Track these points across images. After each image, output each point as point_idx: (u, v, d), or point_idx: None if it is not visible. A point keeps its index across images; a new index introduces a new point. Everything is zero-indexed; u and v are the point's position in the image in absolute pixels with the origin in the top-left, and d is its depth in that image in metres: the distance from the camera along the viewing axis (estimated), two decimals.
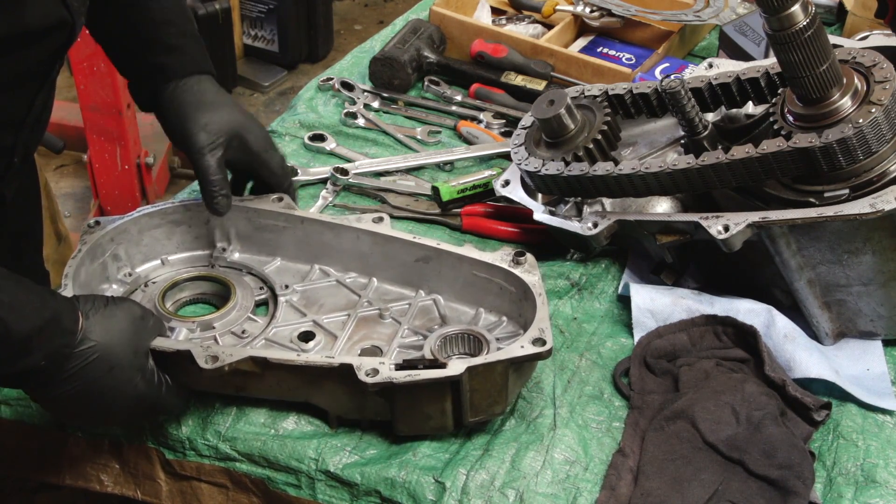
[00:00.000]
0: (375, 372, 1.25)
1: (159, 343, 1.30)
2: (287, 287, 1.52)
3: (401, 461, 1.30)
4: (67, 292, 1.36)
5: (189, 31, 1.55)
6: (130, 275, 1.53)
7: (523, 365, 1.32)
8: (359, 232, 1.51)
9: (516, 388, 1.34)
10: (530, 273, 1.41)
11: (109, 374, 1.23)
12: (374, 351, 1.42)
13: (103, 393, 1.24)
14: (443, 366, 1.27)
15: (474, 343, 1.39)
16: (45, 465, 1.40)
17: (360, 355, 1.41)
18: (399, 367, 1.27)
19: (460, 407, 1.30)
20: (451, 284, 1.49)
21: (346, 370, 1.27)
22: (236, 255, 1.59)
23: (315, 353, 1.40)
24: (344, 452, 1.32)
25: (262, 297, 1.53)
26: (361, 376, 1.25)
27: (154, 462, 1.38)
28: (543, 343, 1.29)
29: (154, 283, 1.54)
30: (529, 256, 1.43)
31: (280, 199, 1.55)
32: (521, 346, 1.29)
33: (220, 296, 1.54)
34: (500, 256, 1.44)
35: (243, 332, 1.47)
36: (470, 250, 1.46)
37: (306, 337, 1.44)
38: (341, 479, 1.30)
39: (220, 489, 1.36)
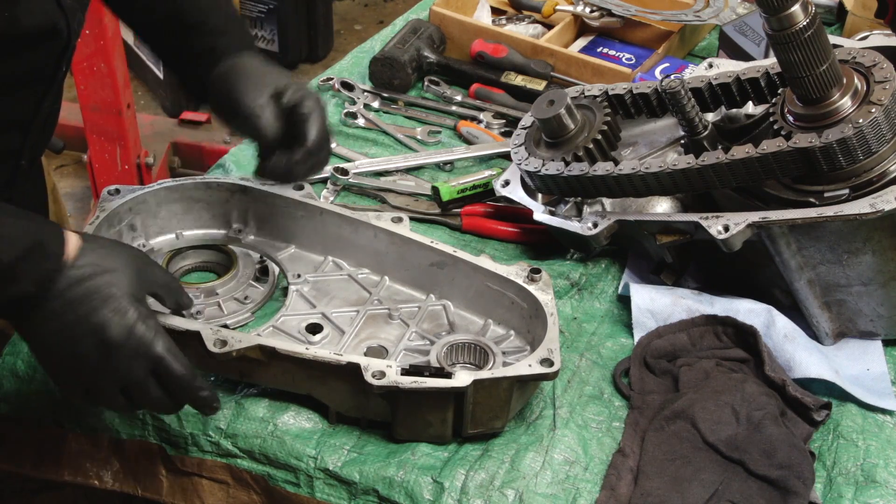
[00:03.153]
0: (382, 375, 1.25)
1: (169, 321, 1.30)
2: (299, 276, 1.52)
3: (399, 460, 1.30)
4: None
5: (233, 14, 1.59)
6: (144, 246, 1.54)
7: (528, 383, 1.32)
8: (377, 230, 1.51)
9: (518, 405, 1.34)
10: (544, 291, 1.40)
11: (103, 302, 1.17)
12: (380, 351, 1.42)
13: (95, 326, 1.17)
14: (449, 376, 1.26)
15: (481, 354, 1.39)
16: (44, 462, 1.39)
17: (365, 354, 1.41)
18: (405, 371, 1.26)
19: (461, 418, 1.30)
20: (463, 293, 1.49)
21: (353, 369, 1.26)
22: (251, 238, 1.59)
23: (322, 347, 1.40)
24: (342, 451, 1.32)
25: (262, 264, 1.55)
26: (368, 378, 1.25)
27: (155, 458, 1.38)
28: (551, 364, 1.29)
29: (157, 251, 1.55)
30: (545, 274, 1.42)
31: (301, 188, 1.56)
32: (529, 365, 1.29)
33: (221, 264, 1.55)
34: (515, 271, 1.43)
35: (245, 297, 1.50)
36: (485, 261, 1.46)
37: (314, 329, 1.44)
38: (340, 477, 1.30)
39: (221, 485, 1.36)
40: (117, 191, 1.50)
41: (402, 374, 1.26)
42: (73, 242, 1.20)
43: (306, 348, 1.30)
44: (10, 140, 1.42)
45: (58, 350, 1.20)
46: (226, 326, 1.44)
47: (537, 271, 1.43)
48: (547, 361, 1.29)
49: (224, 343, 1.27)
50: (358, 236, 1.53)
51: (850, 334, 1.49)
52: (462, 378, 1.26)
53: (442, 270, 1.49)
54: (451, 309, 1.50)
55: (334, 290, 1.52)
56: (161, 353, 1.20)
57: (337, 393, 1.33)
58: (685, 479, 1.28)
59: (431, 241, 1.49)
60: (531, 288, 1.41)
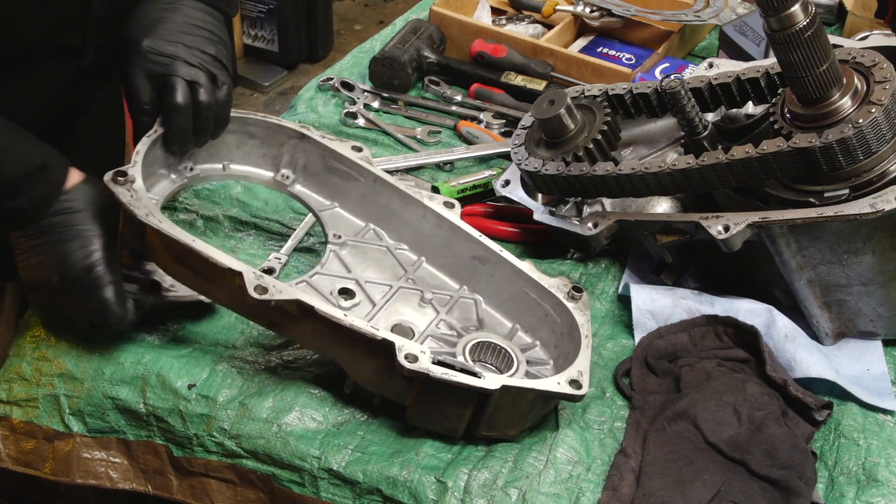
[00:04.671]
0: (415, 359, 1.24)
1: (217, 256, 1.28)
2: (339, 237, 1.52)
3: (403, 460, 1.30)
4: (136, 170, 1.36)
5: None
6: (191, 169, 1.54)
7: (549, 401, 1.32)
8: (427, 210, 1.50)
9: (535, 417, 1.34)
10: (582, 312, 1.39)
11: (75, 236, 1.32)
12: (407, 331, 1.41)
13: (60, 256, 1.32)
14: (478, 376, 1.26)
15: (505, 359, 1.38)
16: (55, 465, 1.40)
17: (392, 330, 1.40)
18: (438, 361, 1.26)
19: (479, 418, 1.30)
20: (498, 293, 1.48)
21: (386, 346, 1.25)
22: (297, 187, 1.58)
23: (354, 315, 1.33)
24: (346, 451, 1.32)
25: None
26: (400, 358, 1.24)
27: (163, 458, 1.39)
28: (579, 387, 1.28)
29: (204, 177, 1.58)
30: (584, 295, 1.42)
31: (360, 150, 1.55)
32: (558, 383, 1.28)
33: None
34: (556, 284, 1.43)
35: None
36: (529, 267, 1.45)
37: (346, 294, 1.44)
38: (344, 477, 1.31)
39: (229, 485, 1.36)
40: None
41: (434, 364, 1.25)
42: (74, 176, 1.34)
43: (344, 314, 1.28)
44: (69, 37, 1.47)
45: (31, 266, 1.35)
46: None
47: (579, 290, 1.42)
48: (575, 384, 1.28)
49: (264, 290, 1.25)
50: (406, 212, 1.52)
51: (850, 334, 1.49)
52: (492, 381, 1.25)
53: (483, 265, 1.48)
54: (481, 305, 1.49)
55: (370, 260, 1.51)
56: (107, 297, 1.34)
57: (361, 365, 1.31)
58: (687, 479, 1.28)
59: (479, 235, 1.48)
60: (570, 305, 1.40)
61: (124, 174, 1.34)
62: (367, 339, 1.27)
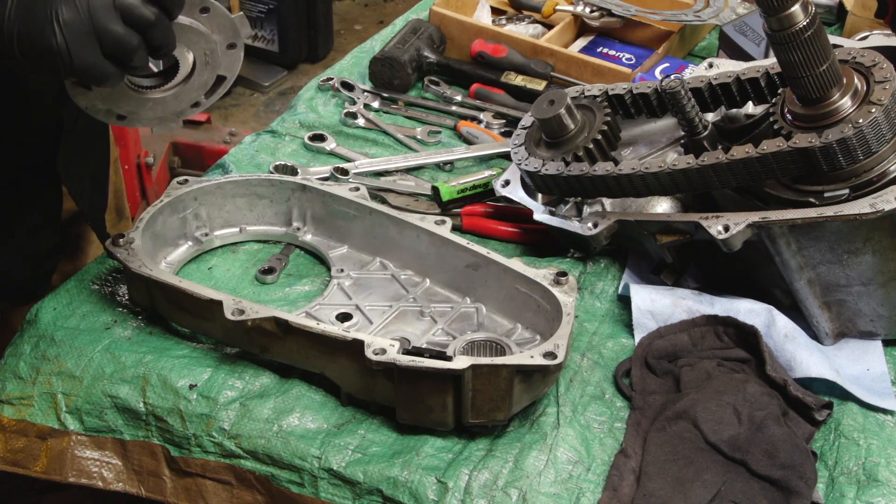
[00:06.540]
0: (382, 352, 1.27)
1: (198, 290, 1.38)
2: (342, 271, 1.57)
3: (403, 461, 1.31)
4: (137, 233, 1.46)
5: None
6: (207, 235, 1.62)
7: (533, 376, 1.31)
8: (419, 230, 1.54)
9: (524, 400, 1.33)
10: (567, 294, 1.40)
11: None
12: (402, 342, 1.42)
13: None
14: (448, 359, 1.27)
15: (498, 352, 1.39)
16: (48, 463, 1.40)
17: None
18: (406, 351, 1.28)
19: (462, 405, 1.30)
20: (495, 295, 1.49)
21: (358, 346, 1.28)
22: (309, 237, 1.65)
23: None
24: (347, 451, 1.32)
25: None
26: (368, 353, 1.27)
27: (159, 459, 1.38)
28: (553, 357, 1.28)
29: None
30: (571, 278, 1.42)
31: (356, 189, 1.60)
32: (531, 357, 1.29)
33: None
34: (542, 274, 1.44)
35: None
36: (516, 264, 1.46)
37: (344, 318, 1.47)
38: (344, 477, 1.31)
39: (225, 486, 1.36)
40: (186, 181, 1.58)
41: (401, 353, 1.27)
42: None
43: (317, 323, 1.33)
44: None
45: (30, 42, 1.18)
46: None
47: (563, 274, 1.42)
48: (550, 354, 1.29)
49: (241, 312, 1.33)
50: (403, 237, 1.56)
51: (850, 334, 1.49)
52: (460, 362, 1.26)
53: (476, 272, 1.50)
54: (483, 311, 1.50)
55: (374, 287, 1.55)
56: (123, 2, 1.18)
57: (346, 372, 1.34)
58: (687, 479, 1.28)
59: (467, 243, 1.50)
60: (555, 290, 1.41)
61: (123, 236, 1.45)
62: (340, 343, 1.30)
